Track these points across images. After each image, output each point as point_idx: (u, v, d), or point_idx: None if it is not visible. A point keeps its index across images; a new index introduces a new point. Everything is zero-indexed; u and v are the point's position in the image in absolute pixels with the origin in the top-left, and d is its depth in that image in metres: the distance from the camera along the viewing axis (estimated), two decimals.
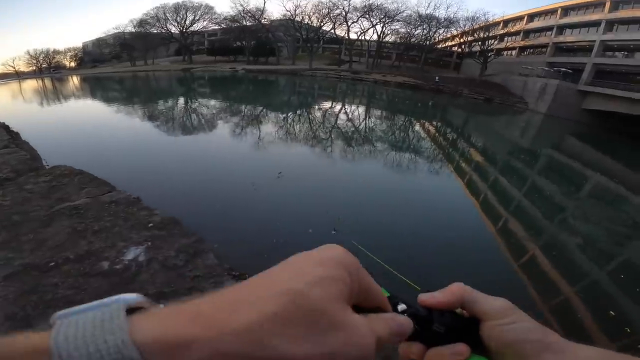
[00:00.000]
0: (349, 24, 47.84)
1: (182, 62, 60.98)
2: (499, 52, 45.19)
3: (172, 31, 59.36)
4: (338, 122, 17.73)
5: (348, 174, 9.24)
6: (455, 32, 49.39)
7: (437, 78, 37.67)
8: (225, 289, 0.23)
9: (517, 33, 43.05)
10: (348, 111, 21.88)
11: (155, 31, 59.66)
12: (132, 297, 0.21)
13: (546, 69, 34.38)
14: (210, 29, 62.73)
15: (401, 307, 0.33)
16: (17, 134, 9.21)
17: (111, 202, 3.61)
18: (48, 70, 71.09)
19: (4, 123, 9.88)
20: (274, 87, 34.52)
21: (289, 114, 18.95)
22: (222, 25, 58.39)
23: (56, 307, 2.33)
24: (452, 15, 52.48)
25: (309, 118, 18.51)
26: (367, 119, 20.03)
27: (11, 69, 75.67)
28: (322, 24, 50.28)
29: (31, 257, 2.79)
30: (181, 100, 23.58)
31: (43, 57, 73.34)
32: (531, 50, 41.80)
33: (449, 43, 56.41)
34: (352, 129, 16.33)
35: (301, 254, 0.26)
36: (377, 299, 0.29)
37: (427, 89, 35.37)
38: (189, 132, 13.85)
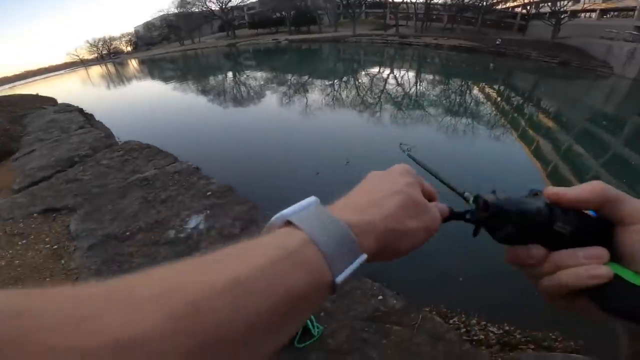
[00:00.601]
0: None
1: (226, 37, 61.77)
2: (574, 14, 38.50)
3: (212, 8, 59.79)
4: (391, 87, 16.77)
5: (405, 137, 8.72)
6: None
7: (498, 40, 33.33)
8: (344, 197, 0.32)
9: None
10: (402, 76, 20.50)
11: (197, 10, 60.55)
12: (316, 199, 0.29)
13: (635, 33, 28.94)
14: (248, 2, 62.00)
15: (491, 197, 0.31)
16: (91, 115, 10.16)
17: (175, 172, 3.76)
18: (109, 56, 76.92)
19: (78, 107, 10.97)
20: (318, 55, 33.52)
21: (336, 81, 18.35)
22: None
23: None
24: None
25: (358, 84, 17.72)
26: (418, 83, 18.62)
27: (76, 57, 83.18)
28: None
29: (110, 228, 2.96)
30: (230, 74, 24.11)
31: (102, 44, 79.10)
32: (615, 14, 35.10)
33: (511, 4, 49.20)
34: (404, 93, 15.36)
35: (378, 172, 0.36)
36: (430, 193, 0.37)
37: (486, 51, 31.56)
38: (240, 104, 14.16)
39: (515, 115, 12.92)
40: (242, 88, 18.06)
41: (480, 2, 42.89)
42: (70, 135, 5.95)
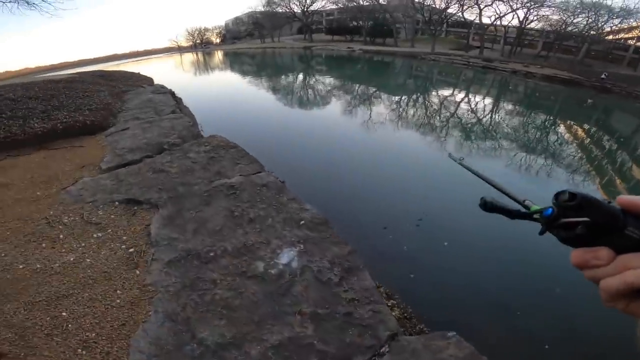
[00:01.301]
0: (482, 7, 40.72)
1: (303, 40, 63.60)
2: None
3: (295, 10, 61.86)
4: (466, 115, 15.27)
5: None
6: (635, 24, 36.80)
7: (604, 74, 28.87)
8: None
9: None
10: (485, 106, 18.69)
11: (281, 10, 63.21)
12: None
13: None
14: (328, 8, 63.00)
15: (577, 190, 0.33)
16: (180, 99, 10.69)
17: (262, 185, 3.28)
18: (201, 45, 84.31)
19: (170, 90, 11.62)
20: (394, 69, 32.49)
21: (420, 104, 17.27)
22: (339, 4, 57.76)
23: (214, 314, 1.95)
24: (632, 5, 39.03)
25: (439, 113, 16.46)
26: (497, 114, 16.71)
27: (175, 44, 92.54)
28: (447, 6, 44.31)
29: (193, 242, 2.50)
30: (304, 78, 24.34)
31: (197, 34, 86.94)
32: None
33: (624, 35, 42.64)
34: (481, 124, 13.81)
35: None
36: None
37: (588, 85, 27.48)
38: (319, 112, 13.69)
39: (605, 163, 10.80)
40: (333, 97, 16.71)
41: (587, 32, 37.77)
42: (162, 118, 6.00)
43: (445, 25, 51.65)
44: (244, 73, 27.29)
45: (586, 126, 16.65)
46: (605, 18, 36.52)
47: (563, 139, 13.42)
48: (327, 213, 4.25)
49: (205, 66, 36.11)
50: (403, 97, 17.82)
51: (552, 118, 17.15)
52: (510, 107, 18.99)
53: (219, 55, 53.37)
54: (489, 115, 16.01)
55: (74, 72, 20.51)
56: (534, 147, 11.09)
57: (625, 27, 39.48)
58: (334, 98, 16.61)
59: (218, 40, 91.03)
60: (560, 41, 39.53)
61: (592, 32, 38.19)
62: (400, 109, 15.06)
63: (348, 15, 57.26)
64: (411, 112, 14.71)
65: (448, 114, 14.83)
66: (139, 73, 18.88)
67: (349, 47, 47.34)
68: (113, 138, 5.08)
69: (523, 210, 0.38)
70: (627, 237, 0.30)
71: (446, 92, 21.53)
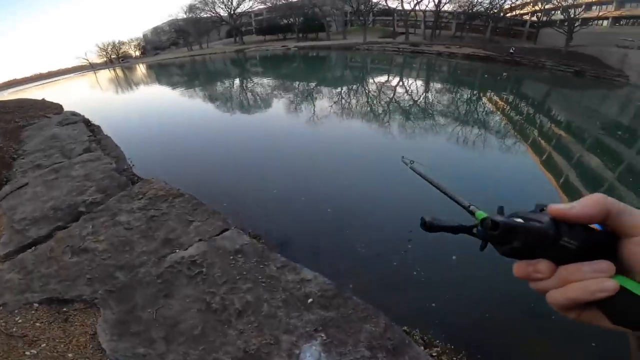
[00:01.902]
0: None
1: (234, 43, 60.70)
2: (585, 21, 37.54)
3: (221, 14, 58.81)
4: (402, 96, 15.57)
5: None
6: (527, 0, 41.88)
7: (512, 49, 32.29)
8: None
9: (609, 1, 35.45)
10: (419, 86, 19.30)
11: (205, 15, 59.54)
12: None
13: None
14: (256, 9, 60.99)
15: (499, 218, 0.31)
16: (98, 127, 8.78)
17: (235, 252, 2.38)
18: (118, 60, 75.68)
19: (83, 117, 9.59)
20: (330, 63, 32.28)
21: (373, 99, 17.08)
22: (268, 4, 56.28)
23: None
24: None
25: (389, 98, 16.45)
26: (429, 92, 17.43)
27: (85, 61, 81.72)
28: None
29: (172, 358, 1.62)
30: (242, 83, 22.81)
31: (111, 49, 77.85)
32: (630, 21, 34.21)
33: (520, 11, 48.25)
34: (413, 102, 14.17)
35: None
36: None
37: (501, 60, 30.48)
38: (274, 126, 11.25)
39: (529, 126, 12.11)
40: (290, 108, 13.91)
41: (490, 11, 41.96)
42: (73, 162, 4.59)
43: (371, 15, 53.33)
44: (173, 85, 24.74)
45: (505, 96, 18.31)
46: None
47: (489, 110, 14.62)
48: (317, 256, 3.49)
49: (127, 82, 32.15)
50: (357, 89, 17.60)
51: (476, 92, 18.54)
52: (439, 86, 20.14)
53: (141, 69, 48.21)
54: (425, 95, 16.88)
55: None
56: (466, 120, 12.00)
57: (519, 3, 44.68)
58: (284, 101, 15.64)
59: (138, 53, 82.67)
60: (470, 21, 43.23)
61: (494, 11, 42.62)
62: (356, 102, 14.71)
63: (278, 14, 56.22)
64: (364, 103, 14.47)
65: (388, 99, 15.19)
66: (43, 99, 15.82)
67: (283, 46, 46.30)
68: (8, 203, 3.68)
69: (464, 224, 0.35)
70: (562, 248, 0.29)
71: (383, 79, 22.00)
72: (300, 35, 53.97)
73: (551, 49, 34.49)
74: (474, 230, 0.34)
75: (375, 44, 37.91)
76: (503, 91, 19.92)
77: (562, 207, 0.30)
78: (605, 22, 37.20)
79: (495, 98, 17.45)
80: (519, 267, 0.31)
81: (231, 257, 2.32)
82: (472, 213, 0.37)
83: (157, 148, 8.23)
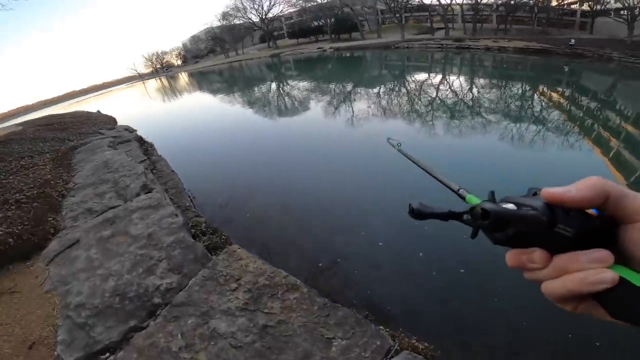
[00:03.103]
0: None
1: (267, 48, 60.62)
2: None
3: (253, 20, 58.72)
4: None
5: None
6: None
7: (572, 40, 28.52)
8: None
9: None
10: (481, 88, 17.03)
11: (239, 22, 59.92)
12: None
13: None
14: (286, 13, 60.37)
15: (489, 205, 0.27)
16: (151, 145, 7.95)
17: None
18: (162, 69, 79.04)
19: (136, 134, 8.71)
20: (372, 63, 30.33)
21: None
22: (297, 7, 55.33)
23: None
24: None
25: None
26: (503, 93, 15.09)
27: (134, 72, 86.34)
28: None
29: None
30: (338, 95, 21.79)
31: (155, 59, 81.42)
32: None
33: (566, 0, 42.93)
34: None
35: None
36: None
37: (561, 53, 26.78)
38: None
39: (599, 126, 9.74)
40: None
41: (535, 1, 37.73)
42: (130, 210, 3.48)
43: (404, 11, 50.45)
44: (220, 92, 24.25)
45: (570, 91, 15.52)
46: None
47: (554, 105, 12.46)
48: None
49: (173, 91, 32.68)
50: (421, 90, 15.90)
51: (543, 88, 15.99)
52: (499, 82, 17.67)
53: (184, 77, 49.47)
54: (490, 93, 14.91)
55: (19, 122, 17.03)
56: (539, 117, 10.29)
57: None
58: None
59: (179, 62, 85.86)
60: (513, 13, 39.07)
61: (540, 1, 38.28)
62: (422, 102, 12.98)
63: (308, 17, 55.08)
64: (431, 101, 12.69)
65: (456, 98, 13.39)
66: (98, 112, 15.84)
67: (319, 48, 44.95)
68: (58, 271, 2.68)
69: (454, 210, 0.32)
70: (558, 235, 0.26)
71: (446, 77, 19.80)
72: (333, 36, 52.43)
73: (613, 40, 30.04)
74: (464, 217, 0.31)
75: (415, 41, 35.36)
76: (568, 86, 16.99)
77: (556, 190, 0.26)
78: None
79: (558, 92, 14.83)
80: (512, 257, 0.28)
81: None
82: (463, 197, 0.35)
83: (211, 171, 7.06)
